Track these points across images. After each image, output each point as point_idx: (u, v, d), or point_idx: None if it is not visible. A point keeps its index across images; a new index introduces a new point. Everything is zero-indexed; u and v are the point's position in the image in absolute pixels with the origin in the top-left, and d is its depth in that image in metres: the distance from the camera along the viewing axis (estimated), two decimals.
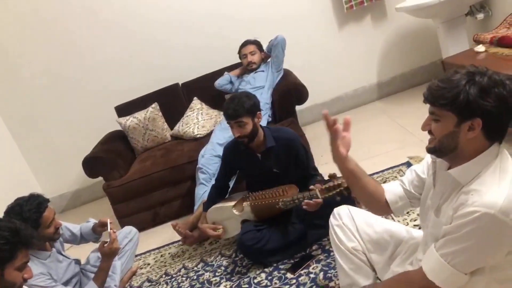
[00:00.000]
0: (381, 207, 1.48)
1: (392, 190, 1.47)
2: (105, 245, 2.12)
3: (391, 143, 3.03)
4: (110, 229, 2.16)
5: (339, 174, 2.06)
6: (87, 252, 2.45)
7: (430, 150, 1.24)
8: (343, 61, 3.90)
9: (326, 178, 2.18)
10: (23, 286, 1.56)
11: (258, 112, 2.24)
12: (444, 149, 1.19)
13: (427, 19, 3.54)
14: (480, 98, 1.10)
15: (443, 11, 3.10)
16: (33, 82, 3.83)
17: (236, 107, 2.15)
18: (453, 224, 1.14)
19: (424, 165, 1.42)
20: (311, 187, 2.08)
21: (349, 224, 1.61)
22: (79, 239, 2.39)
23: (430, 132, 1.22)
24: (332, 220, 1.67)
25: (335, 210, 1.71)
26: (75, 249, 2.58)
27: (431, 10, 3.10)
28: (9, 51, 3.75)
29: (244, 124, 2.17)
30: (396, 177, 2.55)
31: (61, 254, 2.19)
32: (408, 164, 2.62)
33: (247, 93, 2.27)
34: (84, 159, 3.12)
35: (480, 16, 3.14)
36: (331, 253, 2.08)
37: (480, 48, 2.66)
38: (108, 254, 2.12)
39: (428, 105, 1.21)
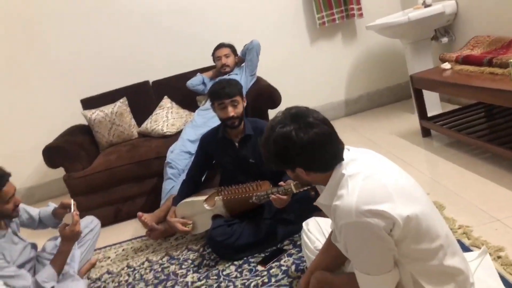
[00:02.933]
0: None
1: None
2: (67, 227, 1.99)
3: None
4: (74, 210, 2.04)
5: None
6: (42, 241, 2.28)
7: None
8: (313, 76, 3.99)
9: None
10: None
11: (244, 97, 2.28)
12: None
13: (395, 41, 3.73)
14: None
15: (410, 32, 3.28)
16: None
17: (231, 86, 2.21)
18: (341, 242, 1.24)
19: None
20: (281, 183, 2.08)
21: (321, 238, 1.68)
22: (37, 223, 2.23)
23: None
24: (303, 236, 1.76)
25: (304, 225, 1.80)
26: (30, 237, 2.39)
27: (399, 30, 3.27)
28: None
29: (238, 103, 2.22)
30: None
31: (17, 236, 2.03)
32: None
33: (231, 78, 2.32)
34: (45, 148, 2.96)
35: (445, 40, 3.35)
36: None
37: (446, 65, 2.82)
38: (70, 237, 1.99)
39: None
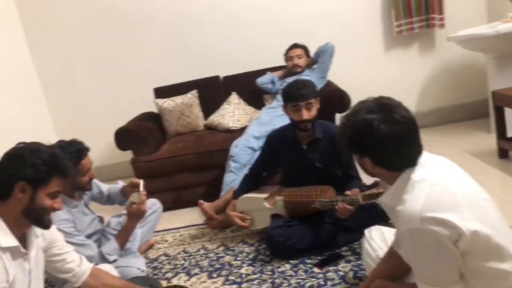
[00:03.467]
0: None
1: None
2: (134, 205, 2.07)
3: None
4: (142, 190, 2.11)
5: None
6: (106, 217, 2.38)
7: None
8: (384, 84, 3.87)
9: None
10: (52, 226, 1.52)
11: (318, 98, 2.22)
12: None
13: (476, 55, 3.53)
14: None
15: (497, 46, 3.09)
16: (75, 47, 3.89)
17: (308, 88, 2.15)
18: (403, 249, 1.19)
19: None
20: (347, 192, 2.03)
21: (384, 247, 1.62)
22: (105, 199, 2.34)
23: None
24: (365, 244, 1.70)
25: (367, 232, 1.74)
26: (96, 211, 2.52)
27: (485, 43, 3.09)
28: (57, 15, 3.82)
29: (312, 106, 2.16)
30: None
31: (87, 208, 2.15)
32: None
33: (306, 79, 2.28)
34: (117, 130, 3.10)
35: None
36: (362, 257, 2.00)
37: None
38: (136, 214, 2.07)
39: None
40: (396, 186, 1.22)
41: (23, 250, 1.43)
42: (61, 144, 1.91)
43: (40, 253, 1.55)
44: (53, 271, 1.64)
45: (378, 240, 1.68)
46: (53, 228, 1.60)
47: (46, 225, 1.46)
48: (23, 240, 1.46)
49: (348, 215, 1.99)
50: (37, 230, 1.51)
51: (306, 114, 2.14)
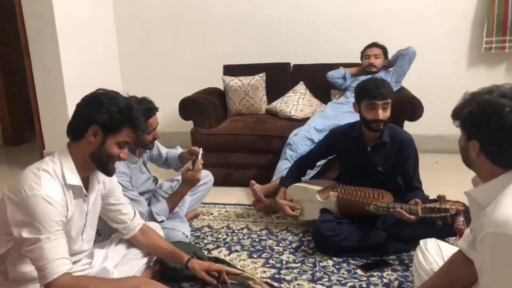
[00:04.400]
0: None
1: None
2: (189, 172, 2.10)
3: None
4: (200, 158, 2.14)
5: (448, 197, 1.92)
6: (160, 179, 2.43)
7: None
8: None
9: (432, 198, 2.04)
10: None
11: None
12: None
13: None
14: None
15: None
16: (154, 16, 4.06)
17: (386, 87, 2.06)
18: (477, 254, 1.08)
19: None
20: (412, 201, 1.94)
21: (439, 261, 1.51)
22: (162, 161, 2.39)
23: None
24: (419, 254, 1.59)
25: (422, 243, 1.63)
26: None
27: None
28: None
29: (388, 107, 2.08)
30: None
31: (145, 166, 2.20)
32: None
33: (383, 78, 2.20)
34: (182, 99, 3.16)
35: None
36: (410, 269, 1.92)
37: None
38: (189, 181, 2.10)
39: None
40: (494, 184, 1.13)
41: (84, 191, 1.48)
42: (132, 100, 1.96)
43: (98, 198, 1.61)
44: (107, 219, 1.70)
45: (434, 253, 1.59)
46: (114, 178, 1.65)
47: (109, 172, 1.50)
48: (86, 183, 1.51)
49: (404, 220, 1.91)
50: (100, 177, 1.56)
51: (381, 114, 2.05)
